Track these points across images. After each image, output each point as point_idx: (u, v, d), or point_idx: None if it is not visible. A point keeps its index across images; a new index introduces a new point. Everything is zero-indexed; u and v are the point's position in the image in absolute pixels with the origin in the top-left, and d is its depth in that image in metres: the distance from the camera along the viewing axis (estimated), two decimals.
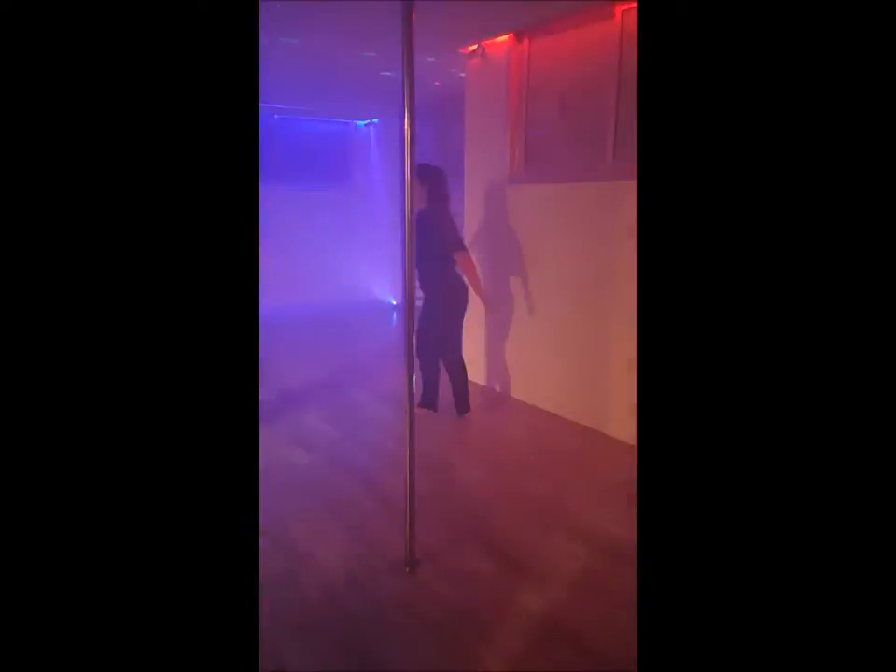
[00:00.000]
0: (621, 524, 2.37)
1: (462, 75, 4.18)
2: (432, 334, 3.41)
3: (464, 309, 3.41)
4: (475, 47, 3.87)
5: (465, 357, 3.57)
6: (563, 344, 3.57)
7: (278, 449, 3.12)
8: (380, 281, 7.20)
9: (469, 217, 4.21)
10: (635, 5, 2.92)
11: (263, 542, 2.25)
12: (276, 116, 6.50)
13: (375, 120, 6.99)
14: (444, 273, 3.31)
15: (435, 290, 3.35)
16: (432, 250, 3.24)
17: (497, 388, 4.14)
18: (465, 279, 3.35)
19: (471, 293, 3.37)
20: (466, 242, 4.23)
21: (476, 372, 4.32)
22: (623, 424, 3.22)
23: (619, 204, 3.06)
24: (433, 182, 3.24)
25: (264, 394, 3.95)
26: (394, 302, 7.10)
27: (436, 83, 4.74)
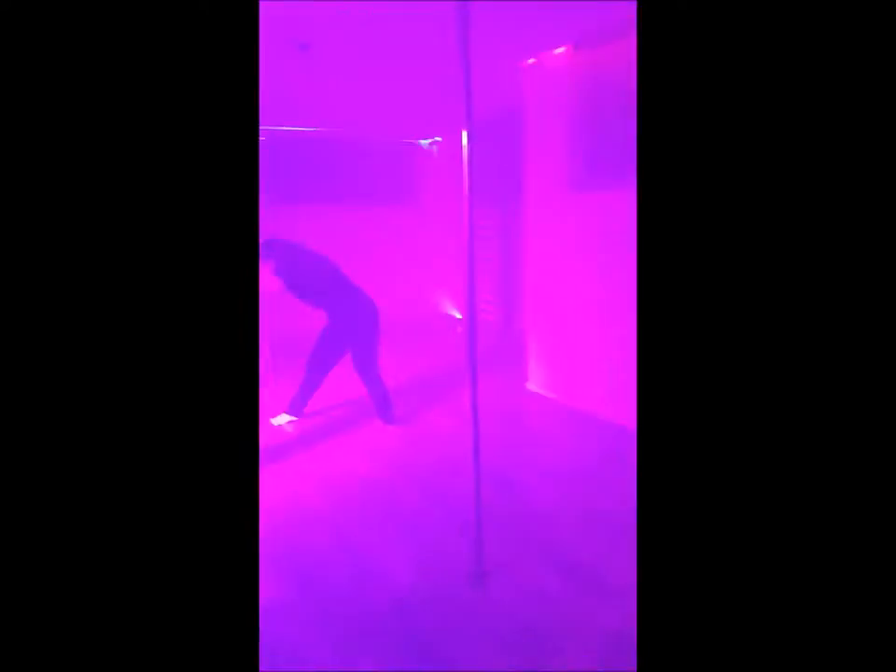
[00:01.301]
0: None
1: (521, 87, 4.21)
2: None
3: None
4: (533, 60, 3.90)
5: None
6: (624, 354, 3.51)
7: (348, 459, 3.20)
8: (445, 297, 7.28)
9: (532, 230, 4.21)
10: None
11: (332, 550, 2.32)
12: (333, 138, 6.70)
13: (439, 139, 7.11)
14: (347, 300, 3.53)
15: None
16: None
17: (565, 401, 4.10)
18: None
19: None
20: (528, 255, 4.24)
21: (544, 385, 4.30)
22: None
23: None
24: (280, 259, 3.33)
25: (335, 405, 4.06)
26: (459, 317, 7.16)
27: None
